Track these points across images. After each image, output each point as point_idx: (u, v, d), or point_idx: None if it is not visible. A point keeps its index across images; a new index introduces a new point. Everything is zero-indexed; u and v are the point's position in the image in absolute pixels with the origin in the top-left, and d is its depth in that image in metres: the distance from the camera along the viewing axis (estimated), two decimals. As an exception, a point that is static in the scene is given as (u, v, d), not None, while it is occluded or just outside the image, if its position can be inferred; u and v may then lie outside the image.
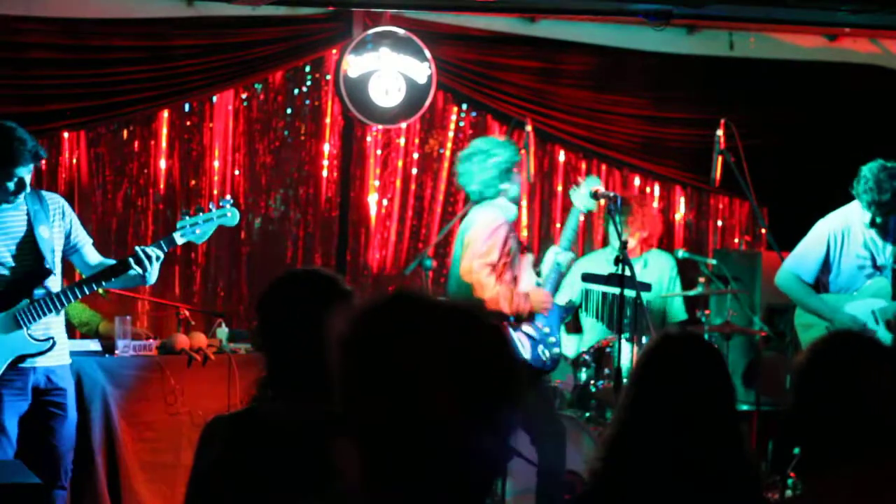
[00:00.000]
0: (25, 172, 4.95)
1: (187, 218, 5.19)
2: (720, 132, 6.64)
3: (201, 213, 5.19)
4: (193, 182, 7.21)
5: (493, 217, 5.74)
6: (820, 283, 6.22)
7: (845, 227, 6.15)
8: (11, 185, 4.94)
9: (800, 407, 2.55)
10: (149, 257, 5.01)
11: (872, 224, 6.07)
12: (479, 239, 5.67)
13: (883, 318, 6.04)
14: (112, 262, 5.15)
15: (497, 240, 5.68)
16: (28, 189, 4.99)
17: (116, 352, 5.99)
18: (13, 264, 5.00)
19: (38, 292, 5.02)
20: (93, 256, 5.22)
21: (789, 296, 6.30)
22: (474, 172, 5.79)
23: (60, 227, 5.14)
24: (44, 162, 6.48)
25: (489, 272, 5.63)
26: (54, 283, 5.08)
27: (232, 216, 5.25)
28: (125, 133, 7.07)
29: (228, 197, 5.40)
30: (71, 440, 5.19)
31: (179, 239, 5.16)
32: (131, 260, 5.02)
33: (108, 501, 5.85)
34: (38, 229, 5.03)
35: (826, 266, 6.18)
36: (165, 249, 5.13)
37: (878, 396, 2.49)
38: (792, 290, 6.25)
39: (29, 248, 5.02)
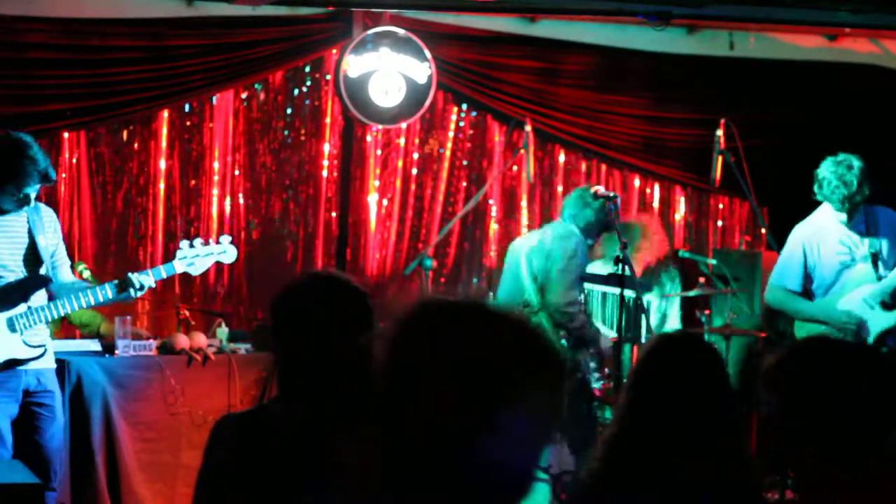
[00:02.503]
0: (32, 191, 5.01)
1: (188, 248, 5.26)
2: (720, 132, 6.64)
3: (201, 247, 5.27)
4: (193, 182, 7.20)
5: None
6: (806, 293, 6.23)
7: (816, 232, 6.16)
8: (16, 201, 5.00)
9: (781, 412, 2.52)
10: (142, 286, 5.12)
11: (850, 218, 6.08)
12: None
13: (877, 302, 6.04)
14: (84, 285, 5.23)
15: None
16: (30, 204, 5.06)
17: (116, 352, 5.99)
18: (15, 270, 5.04)
19: (35, 299, 5.04)
20: (66, 276, 5.29)
21: (782, 310, 6.31)
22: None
23: (53, 240, 5.20)
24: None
25: None
26: (49, 291, 5.14)
27: (229, 254, 5.41)
28: (125, 133, 7.07)
29: (227, 236, 5.48)
30: (59, 442, 5.20)
31: (180, 268, 5.28)
32: (126, 284, 5.10)
33: (108, 501, 5.85)
34: (37, 237, 5.09)
35: (808, 272, 6.19)
36: (164, 276, 5.23)
37: (855, 402, 2.48)
38: (782, 303, 6.25)
39: (30, 255, 5.09)
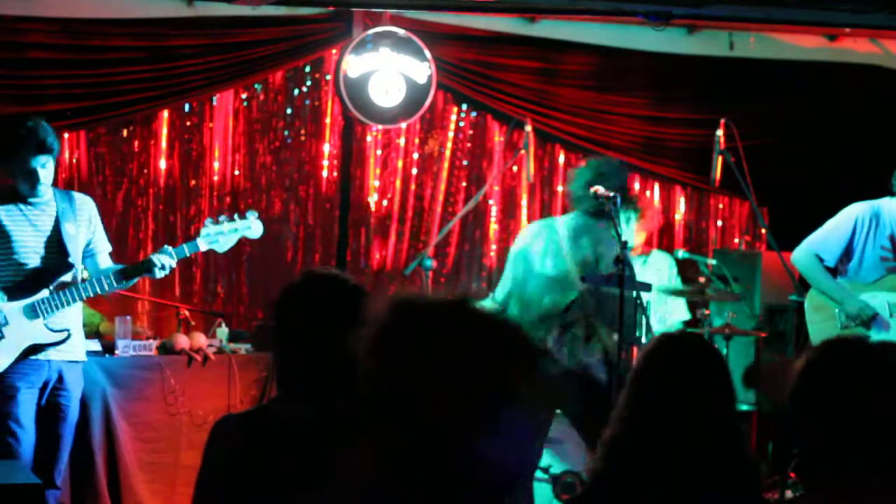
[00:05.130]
0: (38, 165, 5.02)
1: (212, 226, 5.23)
2: (720, 132, 6.64)
3: (226, 223, 5.24)
4: (193, 182, 7.21)
5: None
6: (839, 272, 6.15)
7: (875, 214, 6.06)
8: (27, 179, 5.03)
9: (801, 415, 2.48)
10: (163, 266, 5.11)
11: None
12: None
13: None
14: (116, 268, 5.22)
15: None
16: (43, 183, 5.07)
17: (116, 352, 6.00)
18: (39, 257, 5.09)
19: (58, 285, 5.06)
20: (105, 264, 5.30)
21: (804, 274, 6.17)
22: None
23: (86, 229, 5.22)
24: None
25: None
26: (73, 277, 5.13)
27: (255, 228, 5.34)
28: (125, 133, 7.07)
29: (254, 211, 5.41)
30: (68, 441, 5.21)
31: (203, 245, 5.23)
32: (148, 265, 5.10)
33: (108, 501, 5.86)
34: (64, 226, 5.12)
35: (848, 251, 6.10)
36: (188, 254, 5.21)
37: (881, 406, 2.44)
38: (808, 268, 6.11)
39: (55, 243, 5.12)
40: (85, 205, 5.26)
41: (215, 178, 7.23)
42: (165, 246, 5.23)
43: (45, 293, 5.04)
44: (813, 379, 2.45)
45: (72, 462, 5.68)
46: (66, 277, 5.11)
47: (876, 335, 5.84)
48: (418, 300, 1.71)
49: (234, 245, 5.33)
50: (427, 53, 7.37)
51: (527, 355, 1.69)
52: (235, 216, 5.31)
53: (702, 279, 6.96)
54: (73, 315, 5.15)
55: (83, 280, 5.16)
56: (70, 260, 5.11)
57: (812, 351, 2.53)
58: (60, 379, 5.12)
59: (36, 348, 5.04)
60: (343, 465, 1.75)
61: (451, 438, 1.62)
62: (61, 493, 5.45)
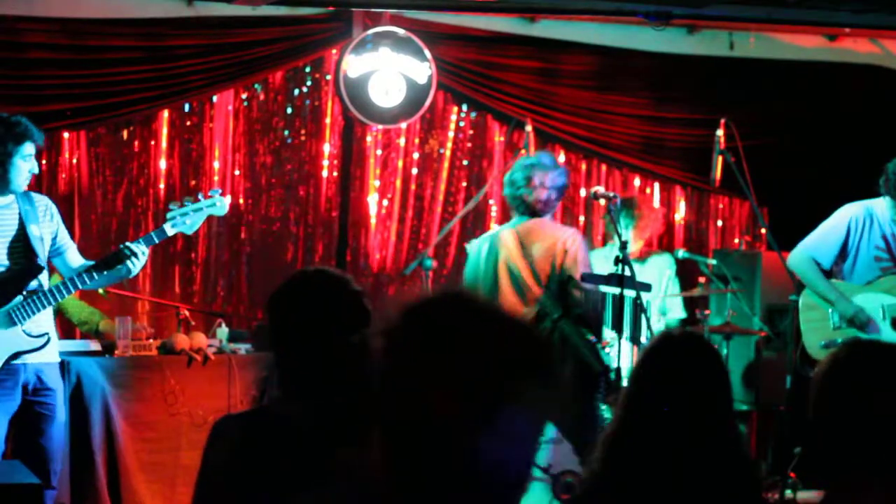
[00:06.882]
0: (20, 155, 5.00)
1: (176, 208, 5.20)
2: (720, 132, 6.63)
3: (189, 203, 5.21)
4: (193, 182, 7.21)
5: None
6: (833, 274, 6.15)
7: (868, 215, 6.06)
8: (15, 167, 4.99)
9: (822, 417, 2.45)
10: (134, 254, 5.04)
11: None
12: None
13: (890, 315, 5.99)
14: (89, 264, 5.19)
15: None
16: (23, 175, 5.04)
17: (116, 352, 5.99)
18: (7, 263, 5.03)
19: (31, 289, 5.03)
20: (75, 259, 5.25)
21: (800, 277, 6.16)
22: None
23: (49, 227, 5.17)
24: (45, 163, 6.52)
25: None
26: (44, 279, 5.11)
27: (220, 206, 5.30)
28: (125, 133, 7.07)
29: (217, 188, 5.41)
30: (60, 441, 5.19)
31: (170, 230, 5.19)
32: (120, 255, 5.05)
33: (108, 501, 5.86)
34: (29, 228, 5.07)
35: (843, 252, 6.10)
36: (156, 241, 5.17)
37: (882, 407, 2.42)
38: (805, 270, 6.10)
39: (22, 246, 5.06)
40: (42, 203, 5.20)
41: (215, 178, 7.23)
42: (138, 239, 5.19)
43: (18, 299, 5.01)
44: (836, 381, 2.42)
45: (72, 462, 5.68)
46: (37, 281, 5.07)
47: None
48: (428, 297, 1.71)
49: (201, 225, 5.29)
50: (427, 53, 7.38)
51: (541, 352, 1.69)
52: (199, 195, 5.28)
53: (702, 279, 6.96)
54: (47, 318, 5.12)
55: (61, 282, 5.12)
56: (40, 262, 5.06)
57: (835, 354, 2.50)
58: (40, 380, 5.09)
59: (16, 355, 5.01)
60: (343, 465, 1.74)
61: (463, 437, 1.61)
62: (60, 494, 5.45)
